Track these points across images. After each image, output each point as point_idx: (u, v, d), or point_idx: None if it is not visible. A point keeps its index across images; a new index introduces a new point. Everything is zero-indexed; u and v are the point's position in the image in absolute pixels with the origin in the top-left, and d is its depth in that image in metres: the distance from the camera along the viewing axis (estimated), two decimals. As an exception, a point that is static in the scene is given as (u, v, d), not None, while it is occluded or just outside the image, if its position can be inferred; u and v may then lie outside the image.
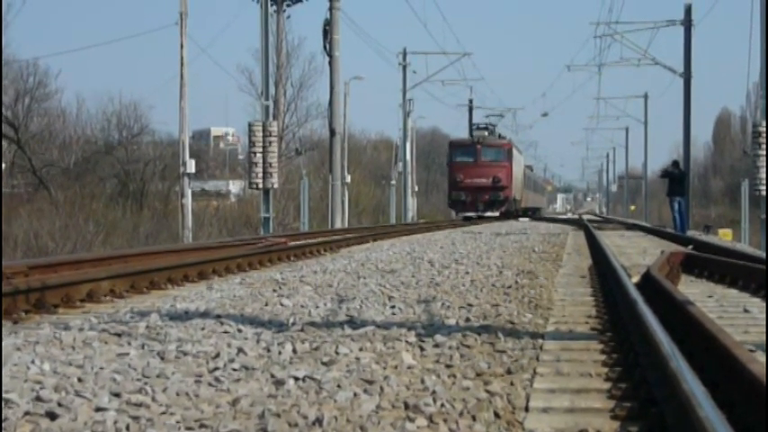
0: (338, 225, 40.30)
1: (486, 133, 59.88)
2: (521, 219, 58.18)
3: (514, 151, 61.45)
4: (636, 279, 10.88)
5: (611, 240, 24.19)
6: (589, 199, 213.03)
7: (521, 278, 12.79)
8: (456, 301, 9.81)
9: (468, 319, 8.43)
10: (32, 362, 6.30)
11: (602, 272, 12.60)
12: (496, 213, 56.43)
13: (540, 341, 7.32)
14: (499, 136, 61.78)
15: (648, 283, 10.21)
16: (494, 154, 57.83)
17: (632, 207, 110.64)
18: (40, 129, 52.09)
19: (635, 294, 7.45)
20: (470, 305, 9.50)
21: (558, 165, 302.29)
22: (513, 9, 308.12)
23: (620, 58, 51.46)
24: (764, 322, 8.31)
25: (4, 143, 50.76)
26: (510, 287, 11.52)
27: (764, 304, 9.81)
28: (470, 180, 56.77)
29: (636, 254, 19.05)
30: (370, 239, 25.76)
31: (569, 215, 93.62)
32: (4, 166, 50.69)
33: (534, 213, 74.67)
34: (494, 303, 9.67)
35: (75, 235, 36.56)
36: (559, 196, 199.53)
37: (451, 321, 8.31)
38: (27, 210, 39.70)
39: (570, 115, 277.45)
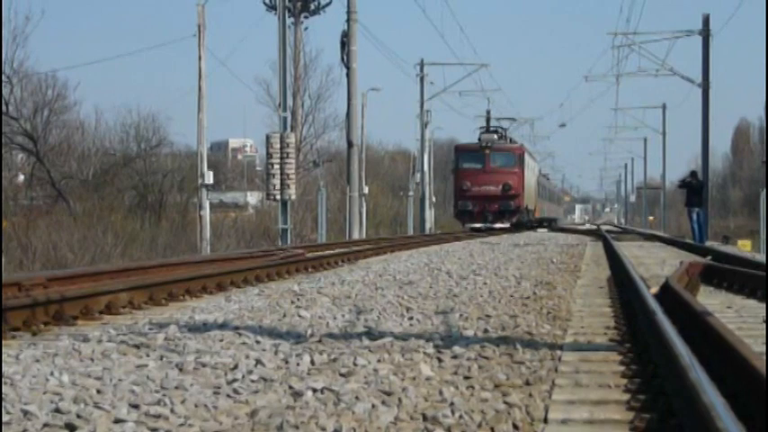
0: (356, 236, 40.30)
1: (496, 137, 55.36)
2: (539, 229, 57.73)
3: (527, 157, 56.72)
4: (654, 290, 10.85)
5: (630, 251, 24.13)
6: (607, 209, 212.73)
7: (539, 289, 12.77)
8: (474, 313, 9.80)
9: (486, 331, 8.42)
10: (51, 373, 6.31)
11: (621, 282, 12.57)
12: (507, 224, 52.04)
13: (559, 352, 7.30)
14: (510, 140, 57.63)
15: (667, 294, 10.17)
16: (504, 159, 53.02)
17: (651, 217, 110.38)
18: (59, 141, 52.25)
19: (654, 305, 7.43)
20: (488, 316, 9.49)
21: (575, 175, 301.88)
22: (530, 20, 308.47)
23: (637, 68, 51.56)
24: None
25: (23, 156, 50.94)
26: (528, 298, 11.50)
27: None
28: (478, 188, 52.23)
29: (654, 264, 18.99)
30: (387, 250, 25.77)
31: (587, 226, 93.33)
32: (22, 177, 50.91)
33: (550, 224, 72.24)
34: (512, 314, 9.66)
35: (94, 247, 36.66)
36: (577, 207, 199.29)
37: (470, 332, 8.30)
38: (46, 222, 39.83)
39: (588, 126, 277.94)
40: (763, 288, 11.99)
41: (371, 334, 8.13)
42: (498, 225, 51.45)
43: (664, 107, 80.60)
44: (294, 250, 23.00)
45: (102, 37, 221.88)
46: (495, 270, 16.57)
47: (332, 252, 23.02)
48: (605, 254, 22.51)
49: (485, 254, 22.75)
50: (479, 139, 54.39)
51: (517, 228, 53.35)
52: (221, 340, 7.81)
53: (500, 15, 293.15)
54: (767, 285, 11.54)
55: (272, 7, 63.51)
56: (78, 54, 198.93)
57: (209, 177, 38.03)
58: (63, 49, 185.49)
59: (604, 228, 62.96)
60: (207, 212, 38.39)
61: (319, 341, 7.74)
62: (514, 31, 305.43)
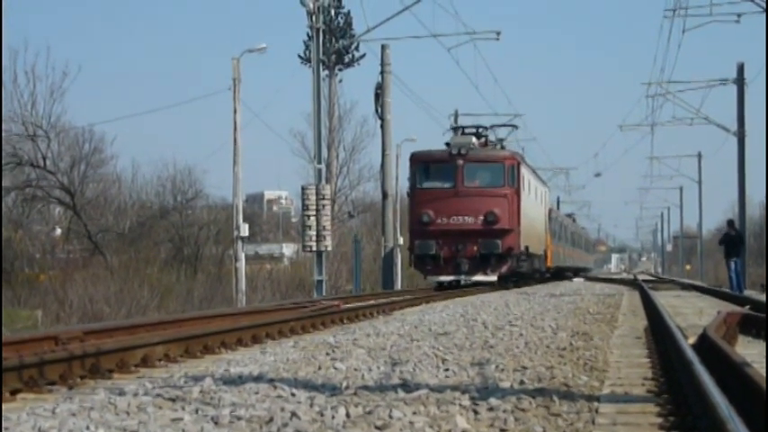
0: (391, 287, 40.27)
1: (474, 140, 36.00)
2: (575, 279, 56.83)
3: (524, 171, 37.46)
4: (692, 340, 10.77)
5: (667, 300, 23.97)
6: (644, 259, 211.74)
7: (575, 340, 12.69)
8: (510, 364, 9.75)
9: (522, 382, 8.37)
10: (87, 427, 6.32)
11: (658, 333, 12.48)
12: (493, 277, 34.32)
13: (596, 404, 7.25)
14: (501, 147, 39.06)
15: (705, 344, 10.09)
16: (487, 174, 34.87)
17: (687, 266, 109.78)
18: (96, 194, 52.68)
19: (691, 356, 7.37)
20: (525, 367, 9.44)
21: (611, 225, 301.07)
22: (564, 70, 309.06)
23: (672, 117, 51.30)
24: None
25: (60, 209, 51.33)
26: (565, 349, 11.43)
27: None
28: (446, 219, 34.13)
29: (692, 314, 18.86)
30: (422, 301, 25.71)
31: (624, 275, 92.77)
32: (59, 231, 51.30)
33: (577, 274, 63.00)
34: (548, 365, 9.60)
35: (130, 300, 36.84)
36: (614, 256, 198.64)
37: (506, 384, 8.26)
38: (83, 275, 40.07)
39: (623, 175, 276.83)
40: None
41: (407, 386, 8.10)
42: (479, 278, 34.24)
43: (699, 156, 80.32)
44: (329, 302, 22.98)
45: (138, 91, 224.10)
46: (531, 320, 16.49)
47: (367, 303, 22.98)
48: (642, 303, 22.37)
49: (520, 304, 22.65)
50: (448, 144, 35.93)
51: (514, 282, 37.94)
52: (257, 393, 7.81)
53: (534, 66, 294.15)
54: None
55: (306, 60, 64.05)
56: (115, 108, 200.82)
57: (245, 229, 38.21)
58: (99, 103, 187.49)
59: (641, 277, 62.53)
60: (242, 264, 38.53)
61: (355, 393, 7.72)
62: (548, 81, 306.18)
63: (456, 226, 34.01)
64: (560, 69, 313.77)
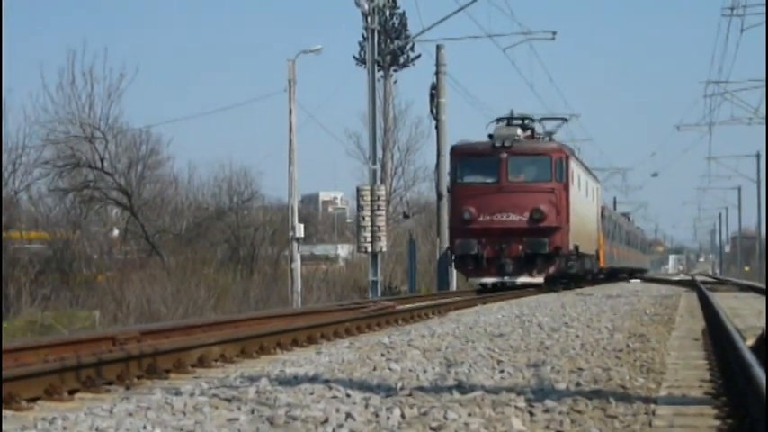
0: (446, 288, 40.17)
1: (520, 132, 33.46)
2: (631, 280, 56.22)
3: (574, 166, 34.66)
4: (751, 342, 10.66)
5: (725, 302, 23.75)
6: (702, 260, 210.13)
7: (632, 341, 12.60)
8: (566, 365, 9.70)
9: (578, 384, 8.32)
10: (144, 427, 6.37)
11: (716, 334, 12.36)
12: (539, 279, 32.19)
13: (653, 406, 7.19)
14: (549, 138, 36.15)
15: (764, 346, 9.98)
16: (533, 169, 32.56)
17: (746, 268, 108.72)
18: (153, 196, 52.97)
19: (750, 357, 7.29)
20: (581, 369, 9.39)
21: (669, 225, 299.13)
22: (620, 69, 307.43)
23: (730, 116, 50.88)
24: None
25: (118, 210, 51.71)
26: (621, 350, 11.36)
27: None
28: (488, 216, 31.96)
29: (750, 316, 18.67)
30: (478, 302, 25.64)
31: (682, 276, 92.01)
32: (117, 232, 51.71)
33: (632, 275, 60.99)
34: (605, 367, 9.54)
35: (187, 300, 37.03)
36: (671, 257, 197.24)
37: (561, 386, 8.22)
38: (140, 276, 40.35)
39: (681, 175, 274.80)
40: None
41: (462, 387, 8.08)
42: (524, 280, 31.89)
43: (758, 156, 79.61)
44: (384, 302, 23.00)
45: (194, 93, 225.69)
46: (587, 322, 16.40)
47: (422, 304, 22.96)
48: (700, 305, 22.19)
49: (576, 305, 22.53)
50: (492, 136, 33.22)
51: (563, 284, 35.49)
52: (312, 393, 7.82)
53: (589, 65, 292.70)
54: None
55: (361, 61, 64.12)
56: (171, 110, 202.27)
57: (300, 230, 38.35)
58: (156, 105, 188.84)
59: (699, 278, 61.94)
60: (298, 265, 38.68)
61: (410, 394, 7.72)
62: (604, 81, 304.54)
63: (499, 224, 31.83)
64: (617, 69, 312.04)
